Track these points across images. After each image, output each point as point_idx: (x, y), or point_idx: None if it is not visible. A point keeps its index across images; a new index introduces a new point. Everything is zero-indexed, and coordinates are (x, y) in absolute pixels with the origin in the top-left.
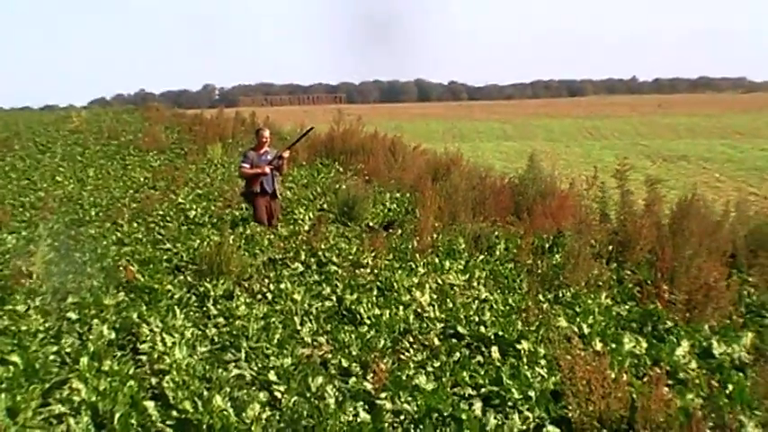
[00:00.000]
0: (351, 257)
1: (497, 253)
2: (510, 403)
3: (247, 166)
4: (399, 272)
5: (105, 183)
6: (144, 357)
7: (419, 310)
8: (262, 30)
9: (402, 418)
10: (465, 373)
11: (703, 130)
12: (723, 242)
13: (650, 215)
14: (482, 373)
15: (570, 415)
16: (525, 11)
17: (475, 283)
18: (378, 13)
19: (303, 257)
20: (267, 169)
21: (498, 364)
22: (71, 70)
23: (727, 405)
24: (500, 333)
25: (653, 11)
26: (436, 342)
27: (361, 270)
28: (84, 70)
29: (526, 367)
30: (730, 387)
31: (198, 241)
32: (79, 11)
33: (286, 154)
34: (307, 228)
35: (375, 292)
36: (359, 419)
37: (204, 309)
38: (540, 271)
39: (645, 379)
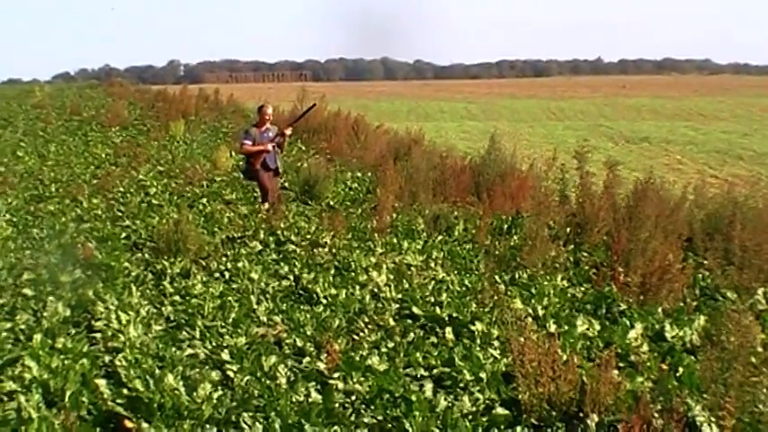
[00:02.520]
0: (309, 237)
1: (456, 233)
2: (461, 385)
3: (249, 143)
4: (357, 252)
5: (66, 158)
6: (98, 335)
7: (375, 290)
8: (228, 5)
9: (353, 398)
10: (418, 354)
11: (666, 112)
12: (680, 225)
13: (608, 197)
14: (435, 354)
15: (520, 397)
16: None
17: (432, 264)
18: None
19: (262, 236)
20: (269, 146)
21: (451, 345)
22: (36, 44)
23: (675, 388)
24: (455, 314)
25: None
26: (391, 322)
27: (320, 249)
28: (48, 44)
29: (479, 349)
30: (680, 370)
31: (157, 219)
32: None
33: (288, 131)
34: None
35: (332, 272)
36: (310, 399)
37: (161, 287)
38: (497, 252)
39: (596, 361)
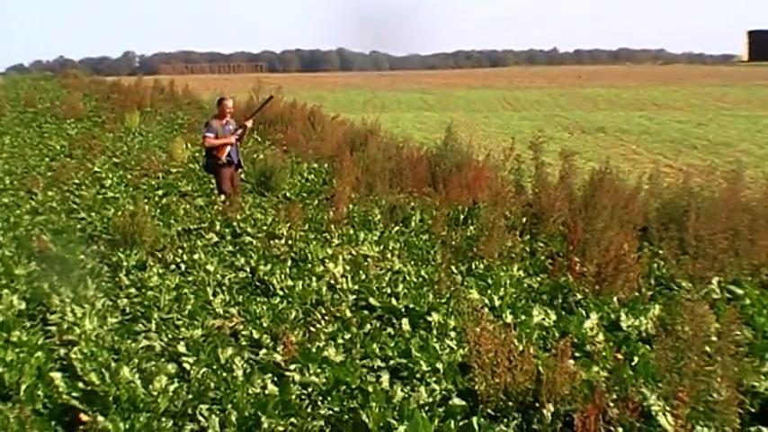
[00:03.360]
0: (266, 228)
1: (412, 224)
2: (418, 375)
3: (212, 135)
4: (314, 243)
5: (21, 151)
6: (53, 328)
7: (332, 281)
8: None
9: (310, 390)
10: (375, 345)
11: (622, 102)
12: (635, 215)
13: (564, 188)
14: (392, 345)
15: (476, 387)
16: None
17: (389, 255)
18: None
19: (218, 228)
20: (232, 139)
21: (408, 336)
22: None
23: (631, 377)
24: (411, 305)
25: None
26: (348, 314)
27: (276, 241)
28: (2, 36)
29: (435, 339)
30: (636, 360)
31: (112, 211)
32: None
33: (249, 124)
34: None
35: (289, 264)
36: (266, 391)
37: (116, 279)
38: (453, 243)
39: (552, 351)
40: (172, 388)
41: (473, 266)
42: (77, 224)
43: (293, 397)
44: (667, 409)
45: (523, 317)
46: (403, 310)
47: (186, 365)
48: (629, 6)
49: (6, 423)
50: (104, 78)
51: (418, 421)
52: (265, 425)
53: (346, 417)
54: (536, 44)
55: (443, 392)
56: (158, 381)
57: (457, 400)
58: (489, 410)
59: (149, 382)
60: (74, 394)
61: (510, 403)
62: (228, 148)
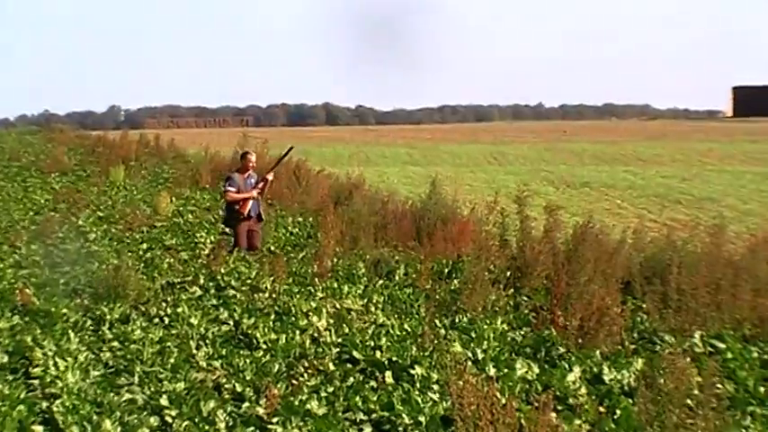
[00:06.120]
0: (250, 281)
1: (396, 278)
2: (400, 428)
3: (233, 190)
4: (298, 296)
5: (5, 205)
6: (36, 381)
7: (316, 334)
8: (169, 51)
9: None
10: (358, 398)
11: (607, 157)
12: (618, 269)
13: (548, 241)
14: (374, 398)
15: None
16: (431, 35)
17: (372, 308)
18: (285, 35)
19: (202, 281)
20: (254, 193)
21: (391, 389)
22: None
23: (613, 431)
24: (395, 358)
25: (559, 36)
26: (331, 367)
27: (260, 294)
28: None
29: (418, 392)
30: (618, 413)
31: (96, 264)
32: None
33: (270, 177)
34: (207, 251)
35: (272, 317)
36: None
37: (99, 333)
38: (438, 296)
39: (534, 404)
40: None
41: (457, 320)
42: (61, 278)
43: None
44: None
45: (506, 370)
46: (386, 363)
47: (168, 419)
48: (615, 62)
49: None
50: (90, 132)
51: None
52: None
53: None
54: (522, 99)
55: None
56: None
57: None
58: None
59: None
60: None
61: None
62: (250, 203)
